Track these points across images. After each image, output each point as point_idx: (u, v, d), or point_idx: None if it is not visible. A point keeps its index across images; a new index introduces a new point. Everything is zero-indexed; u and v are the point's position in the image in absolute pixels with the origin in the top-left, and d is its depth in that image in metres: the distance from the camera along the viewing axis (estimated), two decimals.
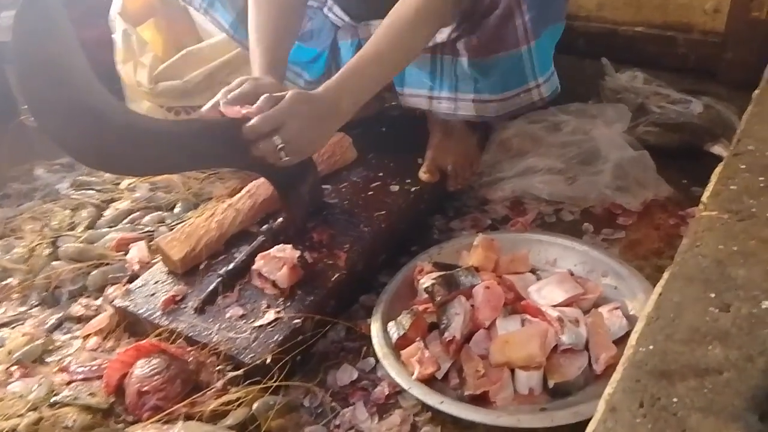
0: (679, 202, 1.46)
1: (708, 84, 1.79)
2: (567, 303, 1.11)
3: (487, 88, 1.30)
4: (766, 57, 1.60)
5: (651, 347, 0.65)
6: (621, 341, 1.06)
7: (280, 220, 1.33)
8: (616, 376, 0.64)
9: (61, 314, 1.31)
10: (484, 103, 1.31)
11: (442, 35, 1.27)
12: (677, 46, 1.83)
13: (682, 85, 1.79)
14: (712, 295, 0.70)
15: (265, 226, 1.32)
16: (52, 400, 1.07)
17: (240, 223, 1.36)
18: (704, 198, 0.85)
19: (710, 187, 0.87)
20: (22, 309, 1.35)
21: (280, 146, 1.09)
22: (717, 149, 1.57)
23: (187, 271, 1.28)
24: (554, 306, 1.10)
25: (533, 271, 1.24)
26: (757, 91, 1.08)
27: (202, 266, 1.29)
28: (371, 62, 1.17)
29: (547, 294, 1.14)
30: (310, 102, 1.11)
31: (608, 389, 0.63)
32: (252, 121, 1.08)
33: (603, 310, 1.10)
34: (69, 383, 1.12)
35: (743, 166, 0.89)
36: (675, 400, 0.59)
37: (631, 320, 1.09)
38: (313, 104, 1.11)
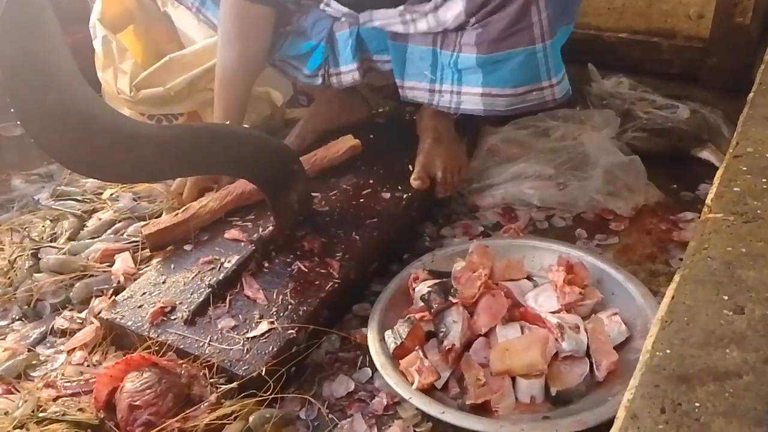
0: (670, 206, 1.46)
1: (692, 89, 1.81)
2: (565, 309, 1.10)
3: (498, 81, 1.26)
4: (749, 62, 1.62)
5: (668, 351, 0.63)
6: (620, 347, 1.05)
7: (270, 228, 1.31)
8: (634, 381, 0.62)
9: (43, 328, 1.27)
10: (494, 97, 1.28)
11: (447, 20, 1.25)
12: (661, 52, 1.84)
13: (666, 90, 1.80)
14: (725, 298, 0.69)
15: (255, 236, 1.29)
16: (39, 416, 1.03)
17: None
18: (708, 200, 0.84)
19: (713, 189, 0.86)
20: (3, 323, 1.30)
21: None
22: (704, 154, 1.58)
23: None
24: (553, 312, 1.09)
25: (529, 277, 1.23)
26: (751, 94, 1.08)
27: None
28: None
29: (544, 301, 1.13)
30: None
31: (627, 395, 0.61)
32: None
33: (602, 316, 1.09)
34: (56, 399, 1.08)
35: (744, 168, 0.89)
36: (697, 404, 0.57)
37: (630, 326, 1.08)
38: None
